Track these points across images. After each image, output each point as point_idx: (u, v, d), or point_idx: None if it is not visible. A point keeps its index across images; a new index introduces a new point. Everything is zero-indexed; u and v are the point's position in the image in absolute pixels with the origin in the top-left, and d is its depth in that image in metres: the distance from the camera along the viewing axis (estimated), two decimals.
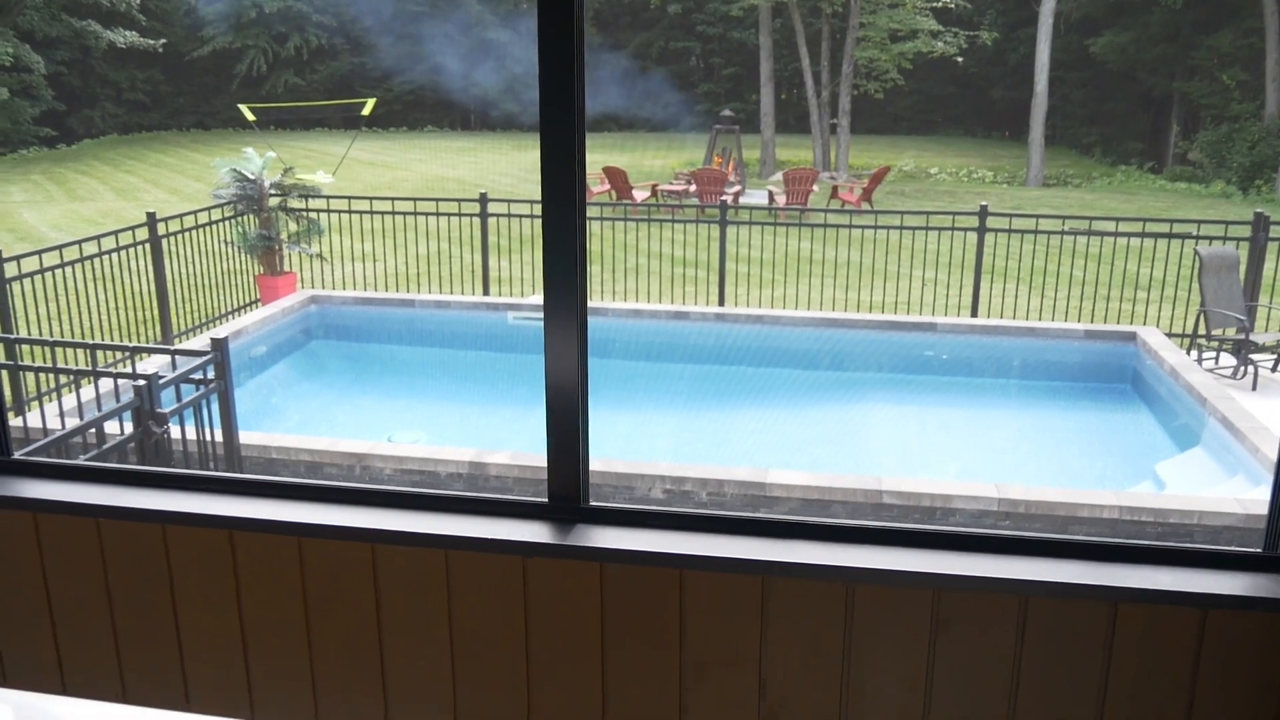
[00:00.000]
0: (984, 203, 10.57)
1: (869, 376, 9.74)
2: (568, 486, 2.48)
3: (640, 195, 16.86)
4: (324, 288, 11.73)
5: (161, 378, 6.26)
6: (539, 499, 2.52)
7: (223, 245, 11.03)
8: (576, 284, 2.35)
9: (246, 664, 2.62)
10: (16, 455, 2.81)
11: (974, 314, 10.65)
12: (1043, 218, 10.75)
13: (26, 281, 8.43)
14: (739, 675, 2.41)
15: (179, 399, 6.46)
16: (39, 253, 8.66)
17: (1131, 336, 9.50)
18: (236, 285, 11.19)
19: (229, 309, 10.90)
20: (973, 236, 10.65)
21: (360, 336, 10.54)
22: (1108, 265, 10.79)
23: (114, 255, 9.62)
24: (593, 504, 2.50)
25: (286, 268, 11.60)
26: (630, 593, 2.40)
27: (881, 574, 2.30)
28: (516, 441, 7.84)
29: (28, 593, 2.70)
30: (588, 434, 2.49)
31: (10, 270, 8.29)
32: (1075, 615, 2.27)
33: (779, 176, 18.82)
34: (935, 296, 11.46)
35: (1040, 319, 10.56)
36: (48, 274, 8.61)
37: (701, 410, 8.99)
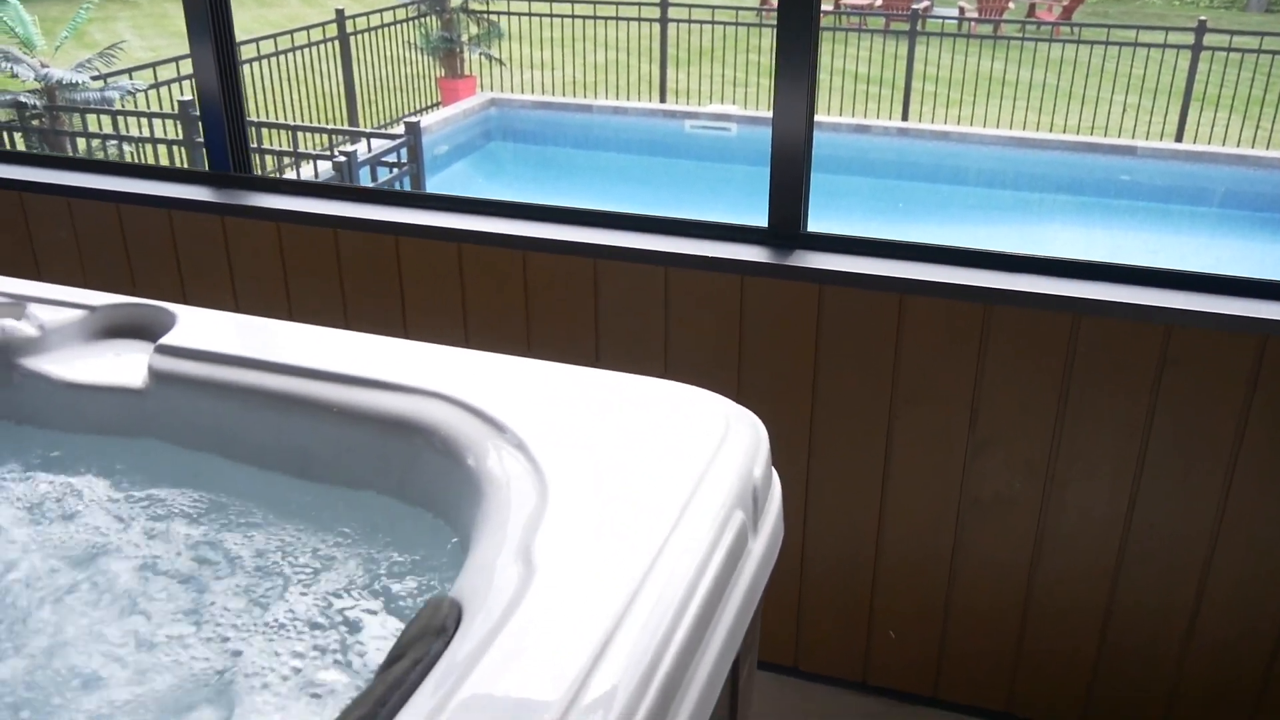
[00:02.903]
0: (1202, 18, 9.76)
1: (1059, 199, 9.32)
2: (788, 212, 2.48)
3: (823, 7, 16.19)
4: (503, 92, 11.80)
5: (360, 158, 6.50)
6: (758, 224, 2.54)
7: (405, 49, 11.18)
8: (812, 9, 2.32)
9: None
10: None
11: (1179, 140, 9.98)
12: (1269, 35, 9.86)
13: None
14: (951, 405, 2.42)
15: (374, 181, 6.71)
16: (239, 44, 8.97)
17: None
18: (418, 89, 11.37)
19: (411, 110, 11.12)
20: (1183, 63, 9.88)
21: (537, 139, 10.64)
22: None
23: (305, 52, 9.88)
24: (811, 230, 2.51)
25: (467, 71, 11.71)
26: (847, 316, 2.42)
27: (1112, 306, 2.24)
28: None
29: (270, 295, 2.90)
30: (810, 160, 2.48)
31: None
32: None
33: None
34: (1136, 123, 10.74)
35: (1253, 149, 9.81)
36: (244, 68, 8.93)
37: (881, 224, 8.80)
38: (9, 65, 8.71)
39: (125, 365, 1.69)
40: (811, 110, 2.44)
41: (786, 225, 2.49)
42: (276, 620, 1.31)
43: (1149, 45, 10.40)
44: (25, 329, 1.74)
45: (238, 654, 1.26)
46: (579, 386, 1.55)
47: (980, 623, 2.59)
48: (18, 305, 1.82)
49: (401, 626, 1.31)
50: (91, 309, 1.80)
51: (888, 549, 2.59)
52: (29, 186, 3.08)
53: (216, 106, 2.92)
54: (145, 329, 1.78)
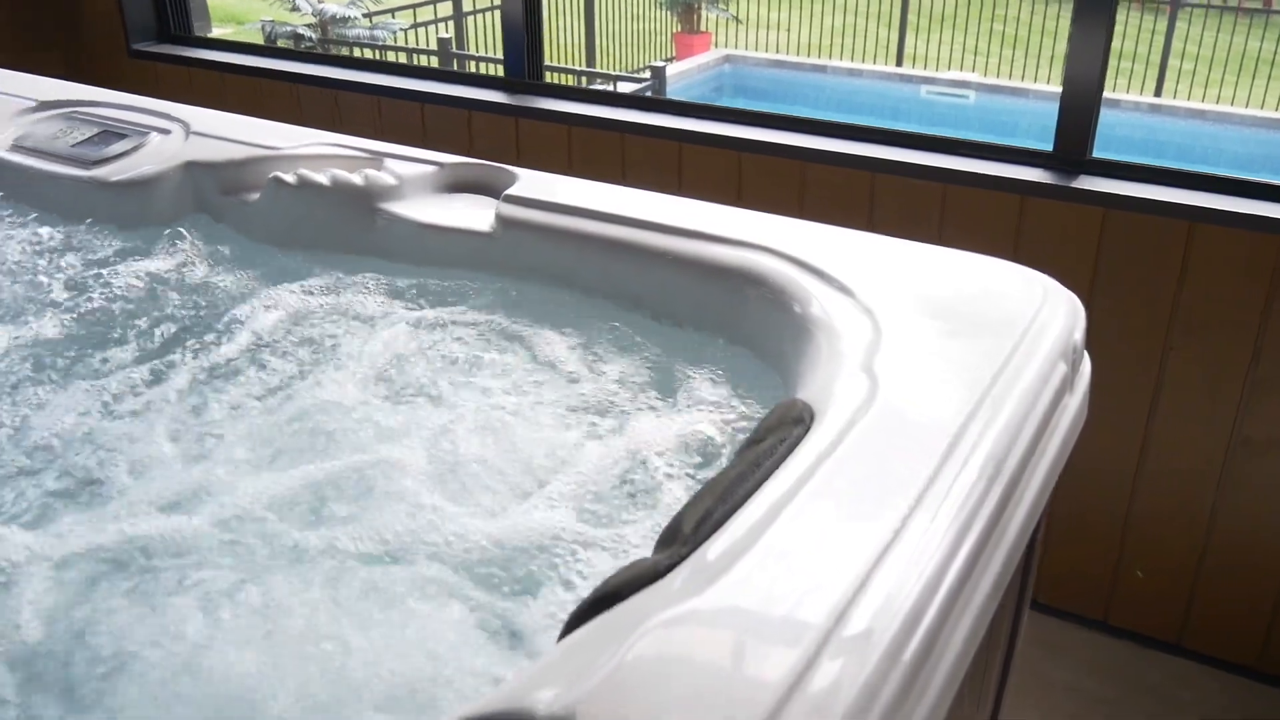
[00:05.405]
0: None
1: None
2: (1077, 136, 2.48)
3: None
4: (736, 49, 11.87)
5: None
6: (1042, 148, 2.55)
7: (642, 5, 11.40)
8: None
9: None
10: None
11: None
12: None
13: (475, 23, 9.21)
14: (1232, 339, 2.37)
15: None
16: None
17: None
18: (653, 43, 11.59)
19: (644, 64, 11.34)
20: None
21: (769, 97, 10.66)
22: None
23: (551, 2, 10.22)
24: (1098, 156, 2.49)
25: (703, 27, 11.85)
26: (1130, 242, 2.40)
27: None
28: None
29: None
30: (1104, 85, 2.47)
31: (466, 5, 9.11)
32: None
33: None
34: None
35: None
36: (491, 12, 9.35)
37: None
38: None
39: (473, 214, 1.89)
40: (1110, 32, 2.43)
41: (1073, 149, 2.49)
42: (630, 426, 1.47)
43: None
44: (385, 179, 1.96)
45: (601, 446, 1.42)
46: (898, 251, 1.64)
47: (1237, 571, 2.54)
48: (376, 160, 2.05)
49: (736, 435, 1.45)
50: (440, 165, 2.01)
51: (1145, 483, 2.56)
52: (343, 85, 3.39)
53: (518, 18, 3.13)
54: (488, 185, 1.97)
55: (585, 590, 1.18)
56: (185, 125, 2.23)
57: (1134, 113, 9.35)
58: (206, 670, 1.15)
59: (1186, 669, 2.66)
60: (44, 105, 2.38)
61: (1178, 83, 10.85)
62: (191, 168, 2.09)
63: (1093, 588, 2.72)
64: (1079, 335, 1.45)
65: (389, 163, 2.03)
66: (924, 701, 0.96)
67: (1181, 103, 9.81)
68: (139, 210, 2.08)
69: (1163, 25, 10.92)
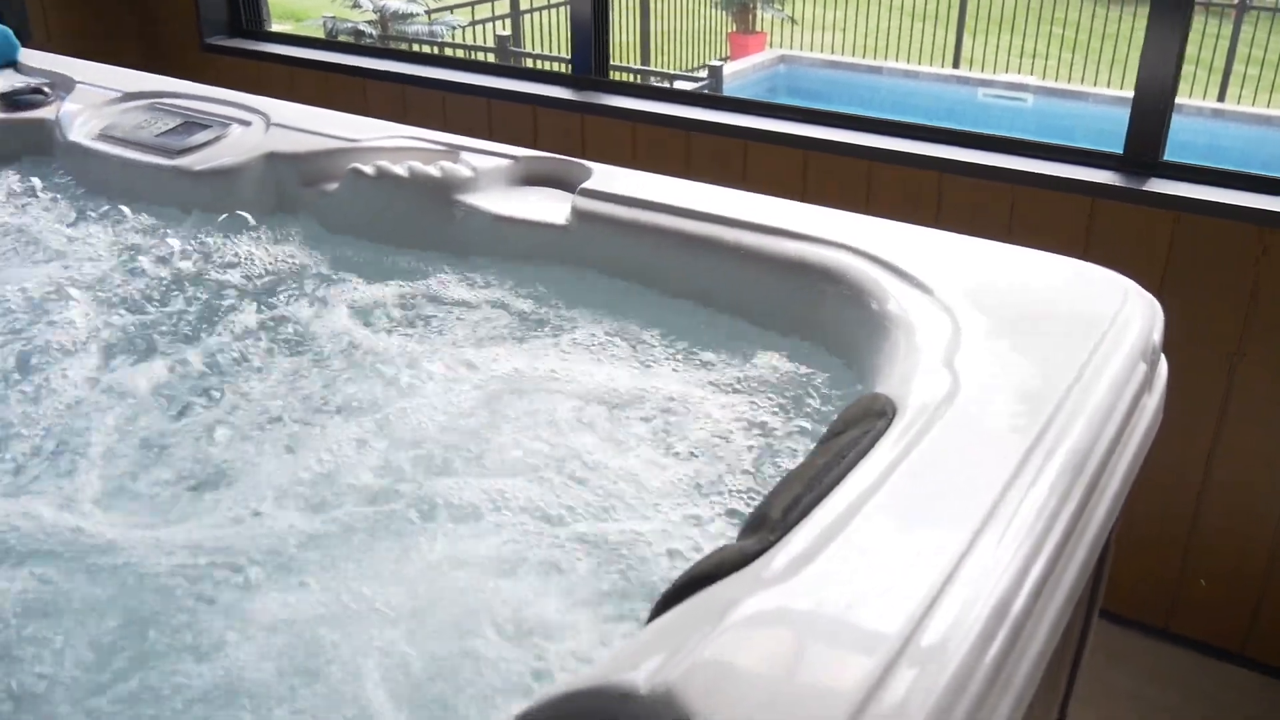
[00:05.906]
0: None
1: None
2: (1147, 137, 2.46)
3: None
4: (791, 49, 11.83)
5: None
6: (1112, 151, 2.53)
7: (697, 5, 11.39)
8: None
9: None
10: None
11: None
12: None
13: (531, 21, 9.29)
14: None
15: None
16: None
17: None
18: (708, 43, 11.58)
19: (699, 63, 11.33)
20: None
21: (824, 98, 10.62)
22: None
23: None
24: (1169, 160, 2.47)
25: (758, 28, 11.83)
26: (1202, 246, 2.38)
27: None
28: None
29: None
30: (1176, 89, 2.45)
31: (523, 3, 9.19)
32: None
33: None
34: None
35: None
36: (548, 12, 9.41)
37: None
38: None
39: (548, 207, 1.92)
40: (1185, 35, 2.41)
41: (1145, 152, 2.47)
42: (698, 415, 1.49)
43: None
44: (462, 170, 1.99)
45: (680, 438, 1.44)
46: (975, 250, 1.64)
47: None
48: (452, 152, 2.08)
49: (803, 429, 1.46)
50: (515, 159, 2.04)
51: (1212, 490, 2.54)
52: (410, 80, 3.44)
53: (586, 15, 3.16)
54: (562, 179, 2.00)
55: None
56: (265, 117, 2.28)
57: (1196, 118, 9.19)
58: None
59: (1241, 677, 2.63)
60: (128, 96, 2.45)
61: (1242, 88, 10.65)
62: (273, 159, 2.14)
63: (1155, 595, 2.70)
64: (1157, 336, 1.44)
65: (464, 155, 2.06)
66: (999, 712, 0.96)
67: (1245, 108, 9.64)
68: (221, 199, 2.13)
69: (1227, 29, 10.73)
